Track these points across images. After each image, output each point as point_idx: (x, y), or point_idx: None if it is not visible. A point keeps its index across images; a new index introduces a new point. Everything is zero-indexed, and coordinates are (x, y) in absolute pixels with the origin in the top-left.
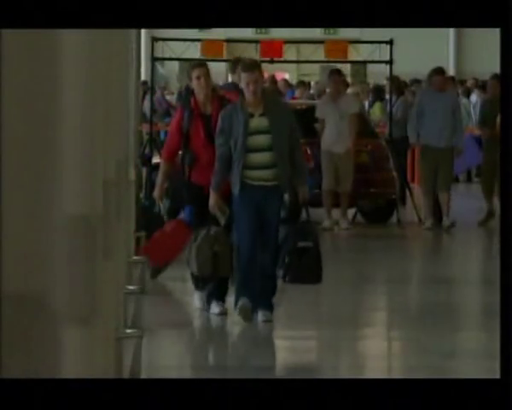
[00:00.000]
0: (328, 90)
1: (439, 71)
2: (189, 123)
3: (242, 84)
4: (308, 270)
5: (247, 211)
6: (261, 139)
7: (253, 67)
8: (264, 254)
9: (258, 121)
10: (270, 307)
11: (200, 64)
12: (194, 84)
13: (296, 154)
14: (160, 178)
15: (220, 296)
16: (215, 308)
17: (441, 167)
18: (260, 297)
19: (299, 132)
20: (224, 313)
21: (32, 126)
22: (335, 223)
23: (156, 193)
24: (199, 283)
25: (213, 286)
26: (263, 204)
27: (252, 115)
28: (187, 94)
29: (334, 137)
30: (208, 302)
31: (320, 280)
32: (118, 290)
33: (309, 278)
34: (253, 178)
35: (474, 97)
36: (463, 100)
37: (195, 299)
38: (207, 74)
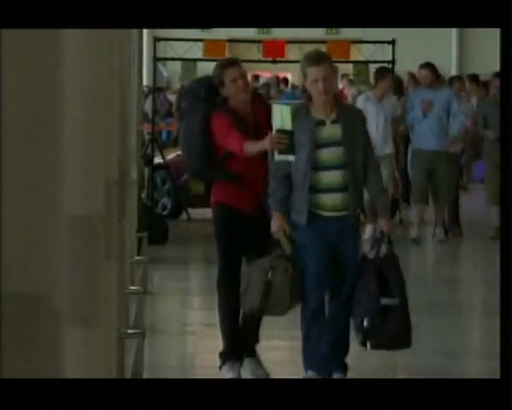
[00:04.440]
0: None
1: (426, 65)
2: None
3: (308, 83)
4: (396, 335)
5: (313, 251)
6: (332, 153)
7: (322, 59)
8: (339, 305)
9: (330, 130)
10: (343, 369)
11: (233, 62)
12: (230, 89)
13: (373, 174)
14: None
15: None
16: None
17: (438, 174)
18: (332, 355)
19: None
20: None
21: (32, 126)
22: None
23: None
24: (236, 349)
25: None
26: (336, 242)
27: (322, 123)
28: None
29: (378, 139)
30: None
31: (410, 344)
32: (120, 290)
33: (397, 344)
34: (321, 206)
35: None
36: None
37: (227, 370)
38: (244, 74)
